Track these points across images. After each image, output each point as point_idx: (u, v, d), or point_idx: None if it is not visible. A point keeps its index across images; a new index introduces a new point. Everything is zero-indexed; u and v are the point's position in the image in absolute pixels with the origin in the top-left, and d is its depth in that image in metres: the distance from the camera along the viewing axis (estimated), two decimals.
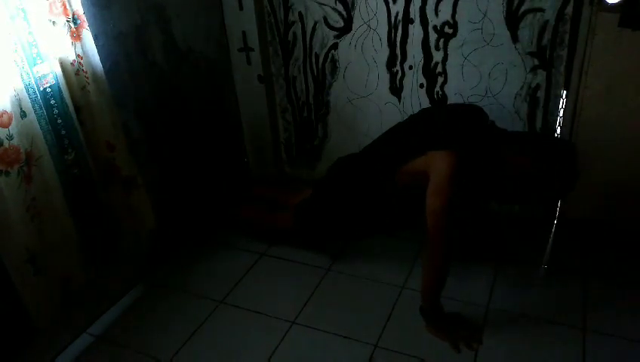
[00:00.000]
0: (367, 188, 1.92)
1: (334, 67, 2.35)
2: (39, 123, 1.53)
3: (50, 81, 1.56)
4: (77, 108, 1.65)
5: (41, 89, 1.54)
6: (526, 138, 1.86)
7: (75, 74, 1.63)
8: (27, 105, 1.48)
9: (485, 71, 2.10)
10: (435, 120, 1.88)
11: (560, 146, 1.76)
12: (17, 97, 1.45)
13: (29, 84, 1.49)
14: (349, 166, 2.05)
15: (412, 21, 2.12)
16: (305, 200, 2.13)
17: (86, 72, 1.64)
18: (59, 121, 1.61)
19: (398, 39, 2.18)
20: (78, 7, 1.57)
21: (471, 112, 1.85)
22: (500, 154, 1.69)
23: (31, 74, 1.49)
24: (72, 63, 1.61)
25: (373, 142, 2.01)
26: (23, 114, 1.47)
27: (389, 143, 1.93)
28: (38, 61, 1.52)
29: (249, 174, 2.71)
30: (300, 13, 2.28)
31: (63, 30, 1.56)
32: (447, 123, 1.81)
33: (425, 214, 1.65)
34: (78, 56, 1.61)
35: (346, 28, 2.24)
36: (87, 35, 1.61)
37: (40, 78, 1.54)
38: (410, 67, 2.22)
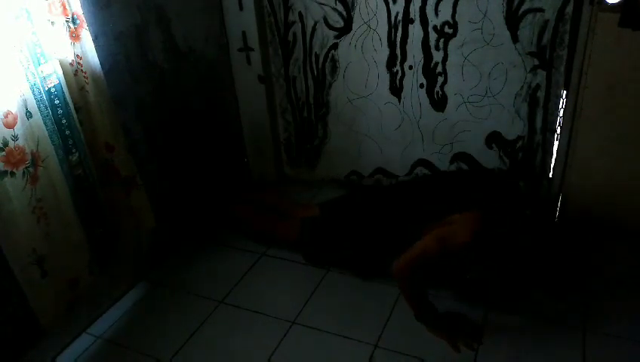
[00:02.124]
0: (389, 231, 1.95)
1: (334, 67, 2.35)
2: (45, 123, 1.52)
3: (54, 81, 1.55)
4: (76, 109, 1.65)
5: (46, 89, 1.54)
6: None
7: (74, 74, 1.62)
8: (33, 105, 1.48)
9: (485, 71, 2.10)
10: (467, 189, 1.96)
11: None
12: (23, 97, 1.44)
13: (35, 84, 1.48)
14: (373, 203, 2.09)
15: (412, 21, 2.12)
16: (314, 218, 2.12)
17: (85, 73, 1.63)
18: (63, 121, 1.60)
19: (398, 39, 2.18)
20: (77, 7, 1.57)
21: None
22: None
23: (36, 74, 1.49)
24: (70, 63, 1.60)
25: (404, 186, 2.10)
26: (29, 114, 1.47)
27: (429, 197, 2.01)
28: (42, 61, 1.52)
29: (249, 174, 2.71)
30: (300, 13, 2.28)
31: (62, 30, 1.56)
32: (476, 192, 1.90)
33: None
34: (77, 56, 1.61)
35: (346, 28, 2.24)
36: (87, 35, 1.61)
37: (45, 78, 1.53)
38: (410, 67, 2.22)
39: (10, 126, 1.41)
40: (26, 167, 1.46)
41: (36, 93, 1.49)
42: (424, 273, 1.75)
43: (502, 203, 1.90)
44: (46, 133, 1.52)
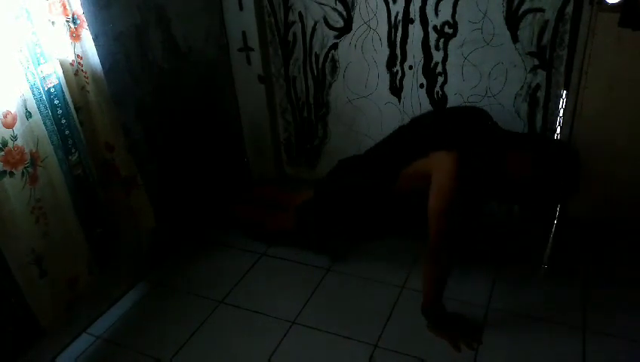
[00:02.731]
0: (369, 191, 1.91)
1: (334, 67, 2.35)
2: (44, 123, 1.52)
3: (53, 81, 1.55)
4: (76, 109, 1.65)
5: (46, 89, 1.53)
6: (528, 139, 1.85)
7: (75, 74, 1.62)
8: (32, 105, 1.47)
9: (485, 71, 2.10)
10: (438, 121, 1.88)
11: (563, 148, 1.76)
12: (23, 97, 1.44)
13: (34, 84, 1.48)
14: (351, 168, 2.04)
15: (412, 21, 2.12)
16: (306, 201, 2.13)
17: (85, 72, 1.63)
18: (63, 121, 1.60)
19: (398, 39, 2.18)
20: (77, 7, 1.57)
21: (473, 114, 1.85)
22: (502, 155, 1.69)
23: (36, 74, 1.49)
24: (71, 63, 1.60)
25: (376, 145, 2.01)
26: (29, 114, 1.47)
27: (392, 146, 1.93)
28: (42, 61, 1.52)
29: (249, 174, 2.71)
30: (300, 13, 2.28)
31: (62, 30, 1.56)
32: (449, 124, 1.81)
33: (426, 214, 1.65)
34: (77, 56, 1.61)
35: (346, 28, 2.24)
36: (87, 35, 1.61)
37: (44, 78, 1.53)
38: (410, 67, 2.22)
39: (9, 126, 1.41)
40: (25, 167, 1.46)
41: (36, 93, 1.49)
42: (461, 219, 1.67)
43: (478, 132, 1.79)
44: (45, 133, 1.52)
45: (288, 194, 2.36)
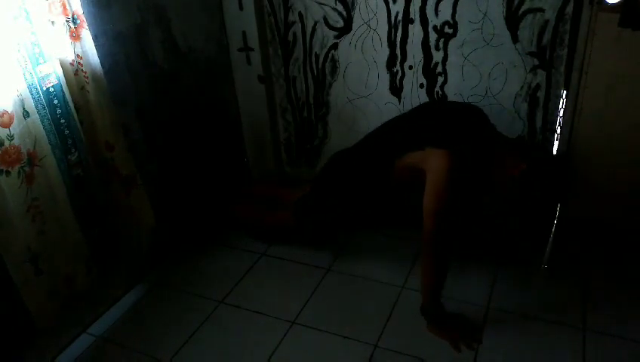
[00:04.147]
0: (364, 180, 1.92)
1: (334, 67, 2.35)
2: (42, 123, 1.52)
3: (52, 80, 1.56)
4: (76, 108, 1.65)
5: (44, 89, 1.54)
6: (521, 144, 1.87)
7: (75, 74, 1.62)
8: (30, 105, 1.48)
9: (485, 71, 2.10)
10: (436, 116, 1.88)
11: (552, 157, 1.79)
12: (20, 97, 1.45)
13: (32, 84, 1.49)
14: (345, 158, 2.05)
15: (412, 21, 2.12)
16: (303, 195, 2.14)
17: (85, 72, 1.64)
18: (62, 121, 1.61)
19: (398, 39, 2.18)
20: (77, 7, 1.57)
21: (472, 113, 1.85)
22: (495, 156, 1.70)
23: (34, 74, 1.49)
24: (71, 63, 1.61)
25: (370, 135, 2.01)
26: (26, 114, 1.47)
27: (388, 134, 1.93)
28: (41, 61, 1.52)
29: (249, 174, 2.71)
30: (300, 13, 2.28)
31: (62, 30, 1.56)
32: (447, 121, 1.82)
33: (419, 206, 1.66)
34: (77, 56, 1.61)
35: (346, 28, 2.24)
36: (87, 35, 1.61)
37: (43, 78, 1.53)
38: (410, 67, 2.22)
39: (5, 125, 1.41)
40: (22, 167, 1.46)
41: (34, 92, 1.49)
42: (455, 217, 1.68)
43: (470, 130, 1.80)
44: (43, 132, 1.53)
45: (287, 190, 2.36)
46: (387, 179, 1.84)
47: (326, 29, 2.27)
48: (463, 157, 1.64)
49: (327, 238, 2.15)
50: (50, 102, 1.56)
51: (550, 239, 2.01)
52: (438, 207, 1.63)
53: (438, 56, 2.15)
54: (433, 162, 1.66)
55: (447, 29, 2.09)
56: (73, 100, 1.63)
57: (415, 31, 2.14)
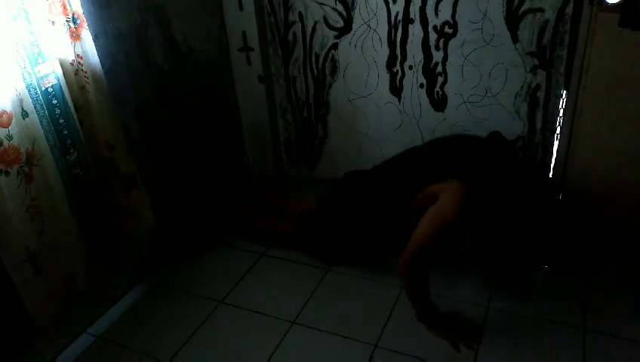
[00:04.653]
0: (382, 207, 1.93)
1: (334, 67, 2.35)
2: (41, 123, 1.53)
3: (52, 81, 1.56)
4: (76, 108, 1.66)
5: (43, 89, 1.54)
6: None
7: (75, 74, 1.63)
8: (29, 105, 1.48)
9: (485, 71, 2.10)
10: (459, 150, 1.91)
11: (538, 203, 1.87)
12: (19, 97, 1.45)
13: (31, 84, 1.49)
14: (362, 184, 2.06)
15: (412, 21, 2.12)
16: (311, 212, 2.12)
17: (85, 72, 1.64)
18: (61, 121, 1.61)
19: (398, 39, 2.18)
20: (77, 7, 1.57)
21: (491, 147, 1.91)
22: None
23: (32, 74, 1.49)
24: (71, 63, 1.61)
25: (389, 162, 2.03)
26: (25, 114, 1.47)
27: (412, 167, 1.96)
28: (40, 61, 1.52)
29: (249, 174, 2.71)
30: (300, 13, 2.28)
31: (62, 30, 1.56)
32: (468, 155, 1.86)
33: None
34: (77, 56, 1.61)
35: (346, 28, 2.24)
36: (87, 35, 1.61)
37: (42, 78, 1.54)
38: (410, 67, 2.22)
39: (4, 125, 1.42)
40: (21, 166, 1.47)
41: (32, 92, 1.49)
42: (429, 263, 1.72)
43: (484, 164, 1.83)
44: (42, 132, 1.53)
45: (289, 199, 2.36)
46: (406, 208, 1.84)
47: (326, 29, 2.27)
48: (475, 193, 1.67)
49: (330, 259, 2.13)
50: (48, 102, 1.56)
51: (550, 239, 2.01)
52: (432, 231, 1.66)
53: (438, 56, 2.15)
54: (448, 190, 1.70)
55: (447, 29, 2.09)
56: (73, 100, 1.64)
57: (415, 31, 2.14)
